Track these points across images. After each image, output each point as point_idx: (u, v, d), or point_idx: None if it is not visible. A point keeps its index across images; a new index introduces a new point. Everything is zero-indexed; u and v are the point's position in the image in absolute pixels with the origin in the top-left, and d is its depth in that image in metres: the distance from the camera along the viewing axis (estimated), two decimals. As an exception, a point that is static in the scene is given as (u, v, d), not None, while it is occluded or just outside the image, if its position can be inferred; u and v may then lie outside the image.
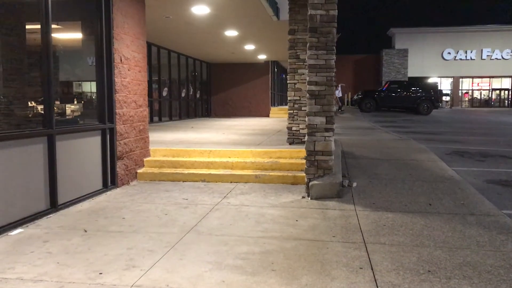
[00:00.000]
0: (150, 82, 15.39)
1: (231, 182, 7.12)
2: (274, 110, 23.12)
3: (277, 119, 19.82)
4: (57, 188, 5.42)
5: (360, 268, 3.64)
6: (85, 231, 4.63)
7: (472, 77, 44.18)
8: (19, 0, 5.98)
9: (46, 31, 5.30)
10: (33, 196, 5.08)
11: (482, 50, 43.04)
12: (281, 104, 28.20)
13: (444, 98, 40.06)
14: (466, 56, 43.28)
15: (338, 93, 24.78)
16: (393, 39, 44.96)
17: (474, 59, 43.31)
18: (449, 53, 43.38)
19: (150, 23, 10.03)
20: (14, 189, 4.78)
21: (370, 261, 3.79)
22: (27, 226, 4.82)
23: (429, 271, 3.57)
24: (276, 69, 25.90)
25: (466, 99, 45.29)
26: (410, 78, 41.13)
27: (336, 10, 6.21)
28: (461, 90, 44.88)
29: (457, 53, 43.30)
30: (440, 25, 43.62)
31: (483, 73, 43.53)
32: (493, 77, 43.77)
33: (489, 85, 44.61)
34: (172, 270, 3.58)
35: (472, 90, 45.14)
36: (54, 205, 5.38)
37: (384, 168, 7.81)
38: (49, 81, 5.34)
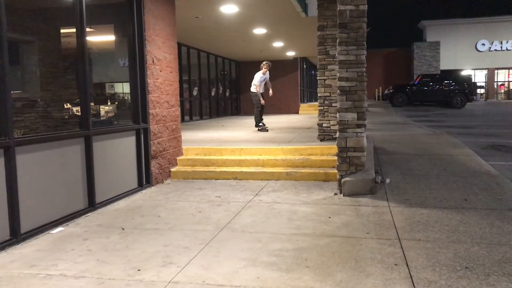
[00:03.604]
0: (181, 82, 15.60)
1: (262, 180, 7.16)
2: (303, 106, 23.03)
3: (306, 115, 19.75)
4: (95, 188, 5.58)
5: (395, 264, 3.62)
6: (123, 229, 4.76)
7: (508, 68, 42.68)
8: (55, 6, 6.18)
9: (81, 35, 5.46)
10: (72, 195, 5.25)
11: (518, 40, 41.60)
12: (311, 101, 28.05)
13: (478, 90, 38.95)
14: (501, 47, 41.87)
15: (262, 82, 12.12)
16: (424, 31, 43.96)
17: (510, 50, 41.87)
18: (483, 44, 42.09)
19: (180, 23, 10.16)
20: (54, 189, 4.96)
21: (405, 257, 3.76)
22: (67, 224, 4.99)
23: (466, 267, 3.52)
24: (305, 66, 25.78)
25: (502, 91, 43.85)
26: (442, 71, 40.15)
27: (366, 5, 6.15)
28: (497, 82, 43.48)
29: (492, 44, 41.95)
30: (473, 16, 42.37)
31: (520, 64, 42.04)
32: (531, 67, 42.24)
33: (527, 76, 43.09)
34: (208, 267, 3.64)
35: (508, 81, 43.66)
36: (92, 204, 5.54)
37: (417, 163, 7.69)
38: (85, 84, 5.50)
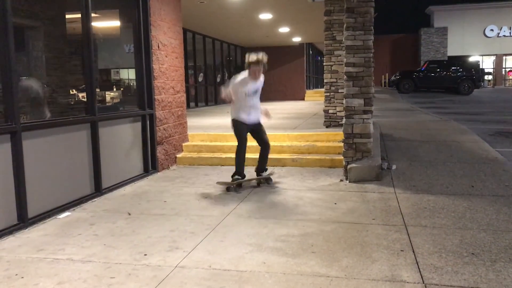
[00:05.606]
0: (186, 68, 15.54)
1: (268, 166, 7.13)
2: (309, 93, 22.92)
3: (312, 102, 19.66)
4: (101, 173, 5.60)
5: (401, 250, 3.61)
6: (129, 214, 4.78)
7: (517, 54, 42.22)
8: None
9: (86, 20, 5.43)
10: (78, 181, 5.27)
11: (528, 25, 40.99)
12: (317, 87, 27.90)
13: (486, 77, 38.55)
14: (510, 33, 41.29)
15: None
16: (432, 17, 43.43)
17: (519, 36, 41.33)
18: (491, 30, 41.53)
19: (185, 9, 10.08)
20: (60, 174, 4.98)
21: (411, 243, 3.75)
22: (74, 209, 5.02)
23: (472, 254, 3.51)
24: (311, 52, 25.59)
25: (510, 77, 43.42)
26: (449, 57, 39.72)
27: (374, -11, 6.08)
28: (505, 68, 42.99)
29: (501, 29, 41.38)
30: (482, 1, 41.74)
31: (529, 50, 41.48)
32: (540, 53, 41.68)
33: (536, 63, 42.55)
34: (214, 252, 3.66)
35: (517, 68, 43.23)
36: (98, 189, 5.57)
37: (424, 150, 7.65)
38: (90, 69, 5.49)
